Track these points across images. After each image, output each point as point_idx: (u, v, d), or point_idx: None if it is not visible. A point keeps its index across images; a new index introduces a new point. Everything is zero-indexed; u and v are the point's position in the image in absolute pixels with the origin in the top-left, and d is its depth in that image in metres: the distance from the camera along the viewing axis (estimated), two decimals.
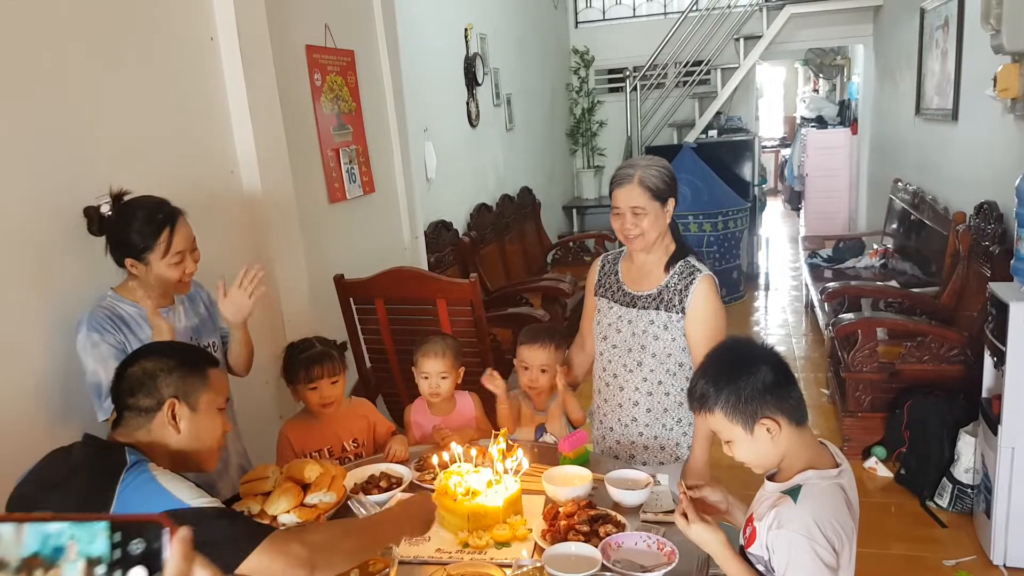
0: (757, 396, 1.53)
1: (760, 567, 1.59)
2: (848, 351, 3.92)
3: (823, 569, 1.49)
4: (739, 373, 1.56)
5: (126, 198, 2.07)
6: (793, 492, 1.53)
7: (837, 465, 1.58)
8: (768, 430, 1.54)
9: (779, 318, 6.46)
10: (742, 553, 1.63)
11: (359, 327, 3.34)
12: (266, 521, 1.93)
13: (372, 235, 3.87)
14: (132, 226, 2.02)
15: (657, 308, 2.28)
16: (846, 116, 9.86)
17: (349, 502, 1.99)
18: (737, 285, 6.75)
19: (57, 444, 1.55)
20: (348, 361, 3.33)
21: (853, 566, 1.58)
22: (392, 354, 3.33)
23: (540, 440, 2.47)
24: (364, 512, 1.96)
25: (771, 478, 1.65)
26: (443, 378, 2.51)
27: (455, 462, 2.09)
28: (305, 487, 2.02)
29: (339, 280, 3.23)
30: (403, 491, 2.11)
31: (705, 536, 1.61)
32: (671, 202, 2.26)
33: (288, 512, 1.94)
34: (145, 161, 2.44)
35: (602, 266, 2.50)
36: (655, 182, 2.22)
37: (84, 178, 2.17)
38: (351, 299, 3.28)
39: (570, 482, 2.05)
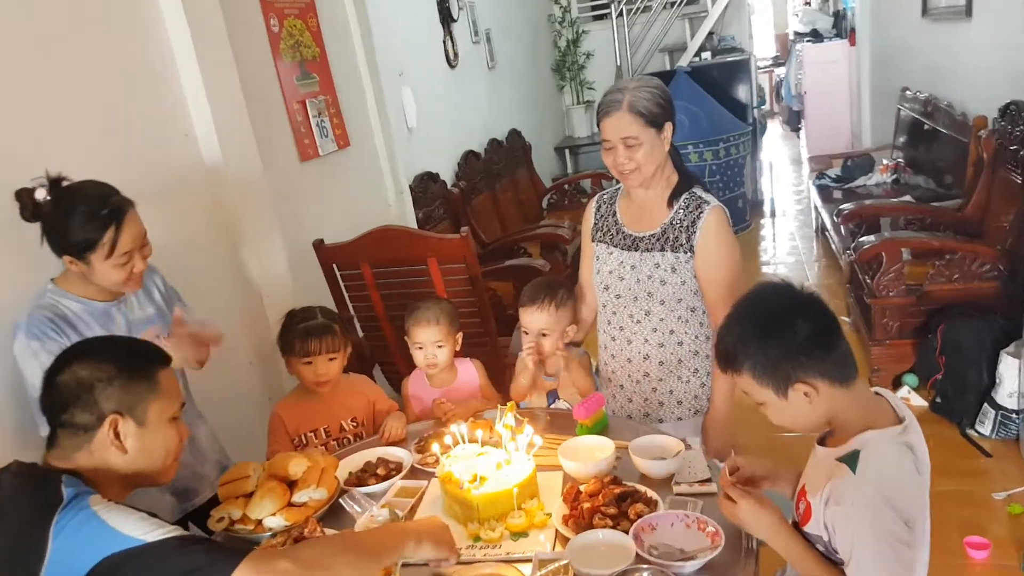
0: (790, 356, 1.29)
1: (819, 547, 1.37)
2: (871, 276, 3.67)
3: (896, 546, 1.26)
4: (769, 329, 1.31)
5: (66, 183, 1.78)
6: (851, 459, 1.30)
7: (900, 420, 1.34)
8: (805, 394, 1.30)
9: (788, 245, 6.21)
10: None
11: (346, 295, 3.09)
12: (250, 527, 1.72)
13: (353, 194, 3.58)
14: (71, 220, 1.74)
15: (662, 249, 2.04)
16: (842, 27, 9.41)
17: (341, 499, 1.76)
18: (743, 214, 6.47)
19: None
20: None
21: (928, 538, 1.35)
22: (385, 321, 3.09)
23: (552, 407, 2.24)
24: (358, 509, 1.73)
25: (822, 441, 1.42)
26: (439, 347, 2.27)
27: (458, 444, 1.85)
28: (292, 484, 1.80)
29: (319, 246, 2.97)
30: (403, 478, 1.89)
31: (756, 516, 1.38)
32: (668, 127, 2.00)
33: (274, 515, 1.73)
34: (87, 132, 2.18)
35: (597, 207, 2.24)
36: (647, 105, 1.94)
37: (18, 155, 1.91)
38: (334, 265, 3.02)
39: (590, 455, 1.82)
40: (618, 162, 2.00)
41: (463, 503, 1.68)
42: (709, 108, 6.21)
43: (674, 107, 2.03)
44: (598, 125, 2.03)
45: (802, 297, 1.35)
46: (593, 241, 2.22)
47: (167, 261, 2.36)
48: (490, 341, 2.99)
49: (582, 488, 1.68)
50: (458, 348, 2.35)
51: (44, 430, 1.74)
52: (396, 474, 1.91)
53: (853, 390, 1.33)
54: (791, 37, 11.08)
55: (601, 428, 2.01)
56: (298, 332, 2.18)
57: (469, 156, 5.36)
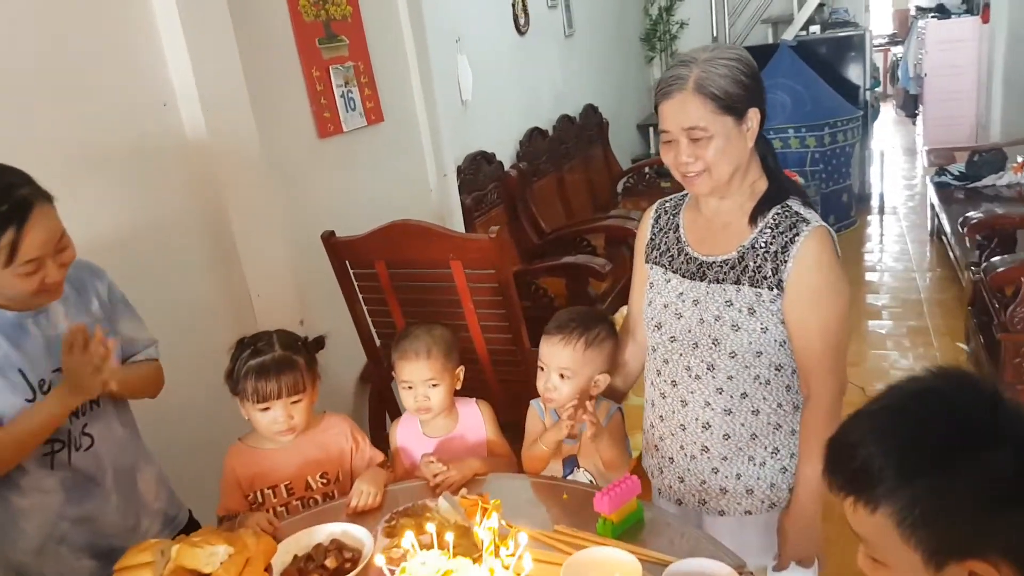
0: (977, 514, 0.77)
1: None
2: (1003, 304, 2.98)
3: None
4: (956, 458, 0.78)
5: None
6: None
7: None
8: None
9: (896, 248, 5.44)
10: None
11: (360, 297, 2.64)
12: None
13: (385, 177, 3.12)
14: None
15: (738, 281, 1.51)
16: (973, 2, 8.38)
17: None
18: (848, 210, 5.73)
19: None
20: (353, 342, 2.67)
21: None
22: (402, 329, 2.62)
23: (569, 478, 1.73)
24: None
25: None
26: (432, 386, 1.80)
27: (426, 548, 1.37)
28: None
29: (328, 239, 2.52)
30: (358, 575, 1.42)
31: None
32: (754, 114, 1.46)
33: None
34: (45, 95, 1.83)
35: (656, 218, 1.71)
36: (723, 84, 1.41)
37: None
38: (347, 263, 2.58)
39: None
40: (680, 161, 1.47)
41: None
42: (815, 88, 5.53)
43: (763, 86, 1.48)
44: (655, 109, 1.50)
45: (1012, 407, 0.81)
46: (647, 262, 1.69)
47: (137, 253, 2.01)
48: (523, 361, 2.49)
49: None
50: (458, 386, 1.87)
51: None
52: (350, 568, 1.44)
53: None
54: (912, 12, 10.04)
55: (632, 524, 1.50)
56: (249, 370, 1.71)
57: (534, 134, 4.81)
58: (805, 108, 5.37)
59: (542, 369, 1.73)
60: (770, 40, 7.13)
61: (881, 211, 6.20)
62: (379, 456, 1.86)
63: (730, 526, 1.64)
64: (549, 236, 4.26)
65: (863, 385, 3.11)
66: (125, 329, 1.71)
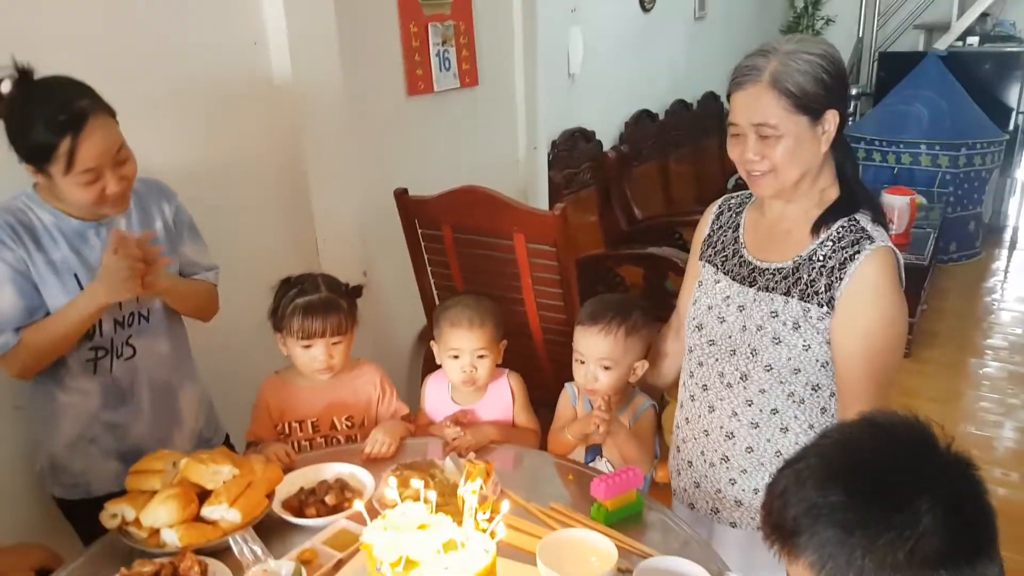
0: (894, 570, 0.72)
1: None
2: None
3: None
4: (872, 507, 0.74)
5: (37, 77, 1.49)
6: None
7: None
8: None
9: (1022, 288, 5.01)
10: None
11: (426, 258, 2.68)
12: (144, 534, 1.39)
13: (471, 143, 3.12)
14: (30, 123, 1.46)
15: (787, 293, 1.44)
16: None
17: (230, 538, 1.36)
18: (973, 239, 5.32)
19: None
20: (414, 299, 2.71)
21: None
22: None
23: (590, 464, 1.71)
24: (248, 555, 1.33)
25: None
26: (480, 357, 1.81)
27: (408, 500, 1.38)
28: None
29: (400, 196, 2.55)
30: (350, 518, 1.47)
31: None
32: (832, 116, 1.37)
33: (172, 527, 1.37)
34: (137, 27, 1.91)
35: (718, 214, 1.65)
36: (800, 81, 1.33)
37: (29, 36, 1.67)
38: (416, 221, 2.61)
39: (581, 562, 1.29)
40: (746, 158, 1.41)
41: None
42: (959, 104, 5.16)
43: (847, 88, 1.40)
44: (728, 99, 1.43)
45: (942, 461, 0.76)
46: (700, 259, 1.64)
47: (213, 187, 2.09)
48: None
49: None
50: (499, 361, 1.88)
51: None
52: (349, 508, 1.49)
53: None
54: None
55: (629, 515, 1.48)
56: (296, 308, 1.77)
57: (642, 117, 4.70)
58: (944, 125, 5.01)
59: (581, 362, 1.72)
60: (920, 48, 6.68)
61: (1012, 246, 5.71)
62: (404, 409, 1.90)
63: (740, 540, 1.59)
64: (640, 223, 4.17)
65: (944, 423, 2.90)
66: (187, 251, 1.80)
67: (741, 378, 1.50)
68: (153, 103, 1.96)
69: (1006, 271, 5.34)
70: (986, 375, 3.89)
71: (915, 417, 0.79)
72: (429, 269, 2.71)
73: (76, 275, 1.58)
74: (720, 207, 1.66)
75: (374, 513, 1.41)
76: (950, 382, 3.81)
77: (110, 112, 1.52)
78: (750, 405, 1.50)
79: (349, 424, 1.87)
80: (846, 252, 1.39)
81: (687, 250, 1.75)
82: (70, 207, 1.57)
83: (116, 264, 1.49)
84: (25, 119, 1.46)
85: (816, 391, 1.47)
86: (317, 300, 1.78)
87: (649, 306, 1.79)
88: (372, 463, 1.67)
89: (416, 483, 1.40)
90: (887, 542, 0.70)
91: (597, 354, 1.68)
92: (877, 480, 0.74)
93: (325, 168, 2.38)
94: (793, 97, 1.33)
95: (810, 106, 1.34)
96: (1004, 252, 5.64)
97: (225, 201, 2.18)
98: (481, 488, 1.36)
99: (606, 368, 1.68)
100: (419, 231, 2.63)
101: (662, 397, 2.47)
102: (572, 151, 3.90)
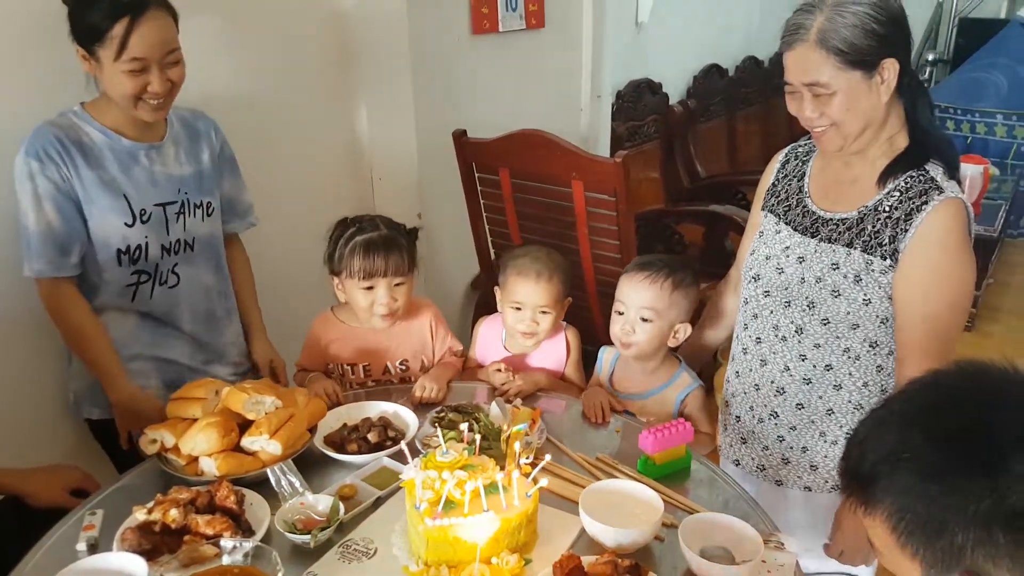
0: (976, 522, 0.66)
1: None
2: None
3: None
4: (957, 457, 0.68)
5: None
6: None
7: None
8: None
9: None
10: None
11: (482, 203, 2.62)
12: (182, 461, 1.38)
13: (532, 86, 3.04)
14: (88, 2, 1.45)
15: (850, 244, 1.39)
16: None
17: (269, 470, 1.34)
18: None
19: None
20: (467, 246, 2.66)
21: None
22: (517, 243, 2.59)
23: (627, 418, 1.65)
24: (286, 489, 1.31)
25: None
26: (543, 313, 1.75)
27: (452, 441, 1.34)
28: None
29: (459, 138, 2.49)
30: (390, 455, 1.44)
31: None
32: (889, 64, 1.29)
33: (211, 456, 1.36)
34: None
35: (784, 162, 1.58)
36: (849, 36, 1.27)
37: None
38: (473, 165, 2.55)
39: (628, 514, 1.24)
40: (805, 116, 1.36)
41: (414, 530, 1.20)
42: None
43: (907, 32, 1.32)
44: (781, 56, 1.37)
45: None
46: (763, 209, 1.57)
47: (269, 115, 2.07)
48: None
49: (586, 565, 1.13)
50: (561, 318, 1.82)
51: (28, 270, 1.53)
52: (391, 446, 1.46)
53: None
54: None
55: (677, 470, 1.42)
56: (357, 246, 1.69)
57: (712, 71, 4.51)
58: (1022, 95, 4.80)
59: (620, 313, 1.65)
60: (1003, 15, 6.32)
61: None
62: (458, 346, 1.86)
63: (785, 498, 1.56)
64: (703, 181, 4.03)
65: None
66: (227, 187, 1.79)
67: (796, 332, 1.46)
68: (214, 25, 1.93)
69: None
70: None
71: (1014, 366, 0.71)
72: (485, 215, 2.65)
73: (126, 195, 1.57)
74: (787, 155, 1.60)
75: (416, 453, 1.38)
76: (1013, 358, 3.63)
77: (172, 13, 1.52)
78: (804, 360, 1.46)
79: (403, 368, 1.83)
80: (913, 203, 1.33)
81: (750, 210, 1.67)
82: (127, 124, 1.56)
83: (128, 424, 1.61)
84: None
85: (873, 348, 1.42)
86: (378, 237, 1.71)
87: (704, 269, 1.71)
88: (421, 407, 1.64)
89: (461, 425, 1.36)
90: (974, 493, 0.63)
91: (639, 302, 1.61)
92: (968, 427, 0.68)
93: (383, 102, 2.34)
94: (842, 54, 1.27)
95: (864, 60, 1.28)
96: None
97: (283, 131, 2.16)
98: (526, 433, 1.32)
99: (645, 320, 1.61)
100: (476, 175, 2.57)
101: (715, 358, 2.39)
102: (637, 103, 3.77)
